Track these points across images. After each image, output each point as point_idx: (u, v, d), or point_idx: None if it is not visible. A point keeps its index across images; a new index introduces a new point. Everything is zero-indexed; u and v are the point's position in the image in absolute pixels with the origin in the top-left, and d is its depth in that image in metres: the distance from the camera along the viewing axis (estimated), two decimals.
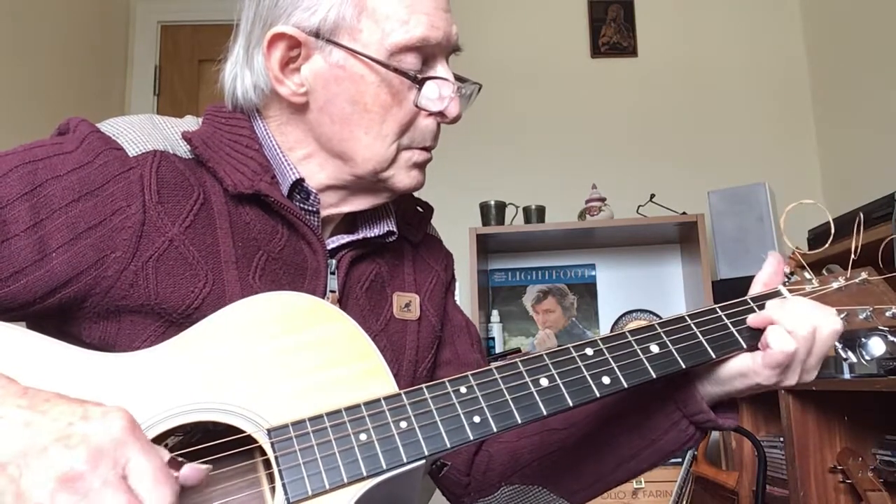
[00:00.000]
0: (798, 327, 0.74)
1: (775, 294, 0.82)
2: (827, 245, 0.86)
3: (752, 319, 0.78)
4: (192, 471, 0.57)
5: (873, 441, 1.93)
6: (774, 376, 0.76)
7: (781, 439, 2.12)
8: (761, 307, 0.79)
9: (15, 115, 2.41)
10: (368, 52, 0.78)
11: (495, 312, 2.94)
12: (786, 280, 0.83)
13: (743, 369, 0.77)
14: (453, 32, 0.83)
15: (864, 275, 0.84)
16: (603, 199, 2.78)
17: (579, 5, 3.23)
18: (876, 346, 0.80)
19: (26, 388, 0.57)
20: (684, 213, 2.73)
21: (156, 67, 3.32)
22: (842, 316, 0.79)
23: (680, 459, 2.25)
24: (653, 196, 2.79)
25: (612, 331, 2.81)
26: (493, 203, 2.82)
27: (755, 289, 0.84)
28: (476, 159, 3.06)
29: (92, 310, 0.73)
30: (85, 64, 2.95)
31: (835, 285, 0.83)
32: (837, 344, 0.79)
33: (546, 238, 2.87)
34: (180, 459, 0.57)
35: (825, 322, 0.76)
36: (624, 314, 2.89)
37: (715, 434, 2.58)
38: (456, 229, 2.50)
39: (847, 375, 1.83)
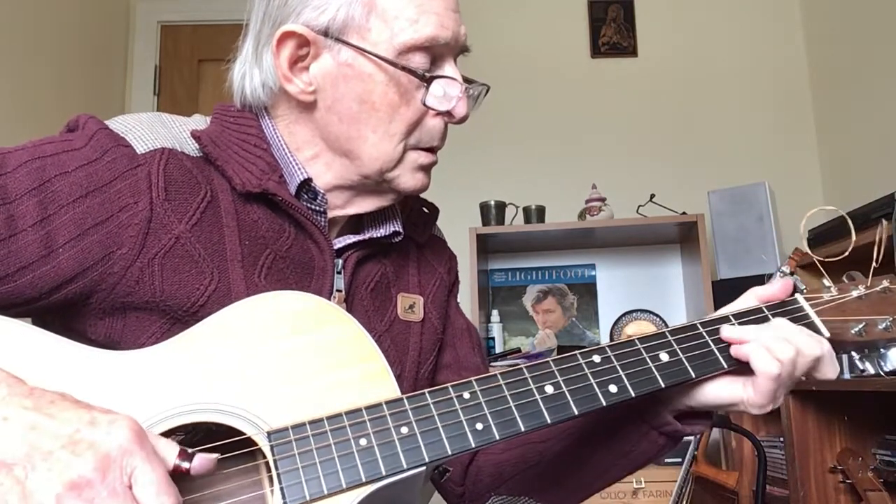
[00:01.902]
0: (780, 351, 0.72)
1: (792, 303, 0.80)
2: (848, 251, 0.84)
3: (725, 332, 0.75)
4: (203, 461, 0.58)
5: (873, 441, 1.93)
6: (769, 404, 0.73)
7: (781, 439, 2.12)
8: (778, 316, 0.78)
9: (15, 115, 2.41)
10: (377, 51, 0.78)
11: (495, 312, 2.94)
12: (802, 289, 0.81)
13: (734, 400, 0.75)
14: (462, 32, 0.83)
15: (885, 283, 0.80)
16: (603, 199, 2.77)
17: (579, 5, 3.23)
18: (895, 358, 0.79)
19: (32, 389, 0.58)
20: (684, 213, 2.73)
21: (156, 67, 3.32)
22: (861, 326, 0.77)
23: (680, 459, 2.25)
24: (653, 196, 2.79)
25: (611, 331, 2.83)
26: (493, 203, 2.82)
27: (747, 300, 0.81)
28: (476, 159, 3.05)
29: (97, 306, 0.73)
30: (85, 64, 2.94)
31: (854, 293, 0.80)
32: (854, 354, 0.77)
33: (546, 238, 2.87)
34: (190, 451, 0.58)
35: (808, 349, 0.73)
36: (624, 314, 2.89)
37: (715, 434, 2.59)
38: (456, 229, 2.50)
39: (847, 375, 1.83)
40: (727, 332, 0.76)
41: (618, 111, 3.13)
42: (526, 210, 2.86)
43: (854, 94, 2.74)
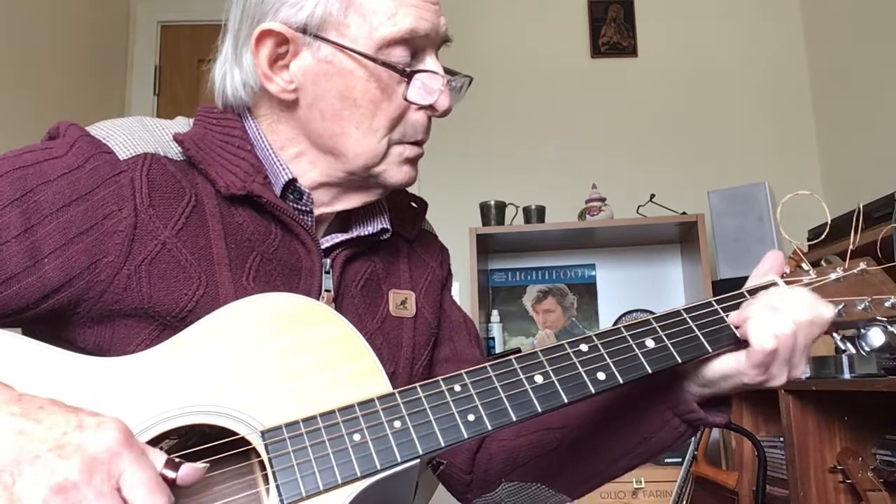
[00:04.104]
0: (777, 325, 0.72)
1: (771, 285, 0.80)
2: (823, 236, 0.85)
3: (733, 317, 0.77)
4: (190, 470, 0.57)
5: (873, 441, 1.93)
6: (759, 375, 0.74)
7: (781, 439, 2.12)
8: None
9: (15, 116, 2.41)
10: (356, 47, 0.78)
11: (495, 312, 2.94)
12: (784, 273, 0.82)
13: (727, 370, 0.76)
14: (441, 24, 0.82)
15: (862, 265, 0.82)
16: (603, 199, 2.77)
17: (579, 5, 3.23)
18: (875, 337, 0.79)
19: (21, 395, 0.57)
20: (684, 213, 2.73)
21: (156, 68, 3.32)
22: (840, 307, 0.78)
23: (680, 459, 2.25)
24: (653, 196, 2.79)
25: None
26: (493, 203, 2.82)
27: (751, 283, 0.82)
28: (476, 159, 3.05)
29: (86, 314, 0.73)
30: (85, 65, 2.95)
31: (833, 276, 0.82)
32: (836, 336, 0.77)
33: (546, 238, 2.87)
34: (178, 460, 0.58)
35: (808, 314, 0.73)
36: (624, 314, 2.89)
37: (715, 434, 2.58)
38: (456, 229, 2.50)
39: (847, 375, 1.83)
40: (733, 318, 0.77)
41: (618, 111, 3.13)
42: (526, 210, 2.86)
43: (854, 95, 2.74)
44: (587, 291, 3.01)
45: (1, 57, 2.37)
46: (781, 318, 0.73)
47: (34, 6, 2.56)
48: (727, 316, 0.78)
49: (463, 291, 2.68)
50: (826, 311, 0.75)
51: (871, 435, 1.95)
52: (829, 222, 0.87)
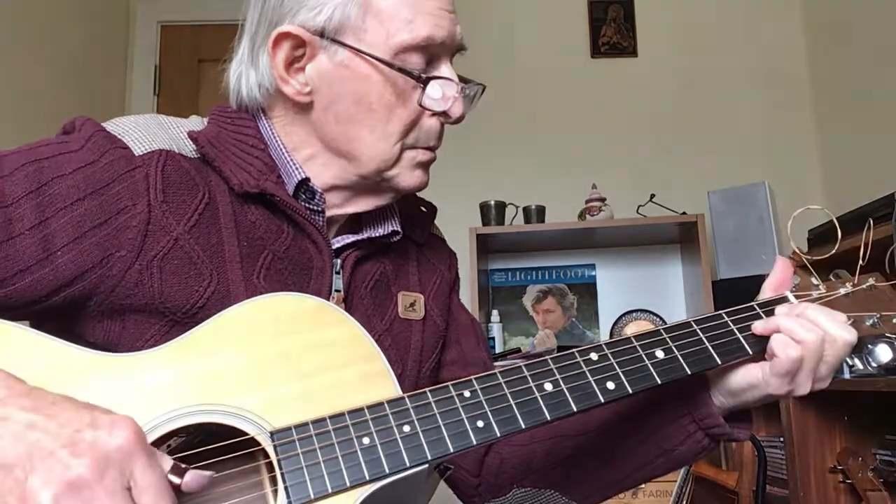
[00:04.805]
0: (806, 336, 0.73)
1: (783, 300, 0.81)
2: (834, 250, 0.86)
3: (759, 327, 0.77)
4: (195, 477, 0.58)
5: (873, 441, 1.93)
6: (784, 385, 0.75)
7: (781, 439, 2.12)
8: (768, 313, 0.79)
9: (15, 115, 2.41)
10: (373, 52, 0.78)
11: (495, 312, 2.94)
12: (793, 287, 0.82)
13: (753, 381, 0.77)
14: (458, 32, 0.83)
15: (871, 281, 0.82)
16: (603, 199, 2.78)
17: (579, 5, 3.23)
18: (883, 353, 0.79)
19: (31, 389, 0.58)
20: (684, 213, 2.73)
21: (156, 67, 3.32)
22: (849, 323, 0.78)
23: None
24: (653, 196, 2.79)
25: (612, 331, 2.83)
26: (493, 203, 2.82)
27: (764, 294, 0.82)
28: (476, 159, 3.05)
29: (96, 308, 0.73)
30: (85, 64, 2.94)
31: (842, 291, 0.82)
32: None
33: (546, 238, 2.87)
34: (184, 466, 0.58)
35: (837, 333, 0.74)
36: (624, 314, 2.89)
37: None
38: (456, 229, 2.50)
39: (847, 375, 1.83)
40: (758, 327, 0.77)
41: (618, 111, 3.13)
42: (526, 210, 2.86)
43: (854, 95, 2.74)
44: (587, 291, 3.01)
45: (1, 56, 2.37)
46: (806, 328, 0.74)
47: (34, 6, 2.55)
48: (737, 328, 0.78)
49: (463, 291, 2.68)
50: (849, 335, 0.76)
51: (871, 435, 1.96)
52: (839, 237, 0.86)
